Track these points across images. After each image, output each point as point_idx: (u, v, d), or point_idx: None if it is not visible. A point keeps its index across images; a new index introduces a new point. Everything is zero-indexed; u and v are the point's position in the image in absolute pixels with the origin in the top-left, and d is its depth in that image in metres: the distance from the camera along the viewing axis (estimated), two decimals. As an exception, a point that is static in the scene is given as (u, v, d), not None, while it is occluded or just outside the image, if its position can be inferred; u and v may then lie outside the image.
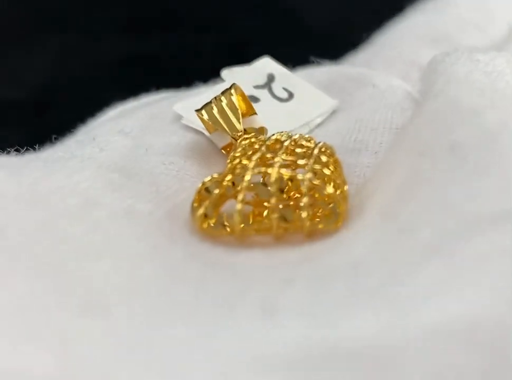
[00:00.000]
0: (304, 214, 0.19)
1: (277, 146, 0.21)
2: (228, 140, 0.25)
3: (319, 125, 0.27)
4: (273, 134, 0.22)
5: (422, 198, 0.18)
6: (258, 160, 0.20)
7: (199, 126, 0.25)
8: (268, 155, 0.20)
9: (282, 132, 0.23)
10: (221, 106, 0.24)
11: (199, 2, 0.43)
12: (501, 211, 0.16)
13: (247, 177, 0.20)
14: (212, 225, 0.19)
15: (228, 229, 0.19)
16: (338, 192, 0.20)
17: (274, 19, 0.43)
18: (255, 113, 0.25)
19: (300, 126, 0.26)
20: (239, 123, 0.24)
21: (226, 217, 0.19)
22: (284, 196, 0.20)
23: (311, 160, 0.20)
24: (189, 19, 0.41)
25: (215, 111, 0.24)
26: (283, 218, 0.19)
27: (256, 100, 0.27)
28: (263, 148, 0.21)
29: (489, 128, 0.19)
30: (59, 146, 0.26)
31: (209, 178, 0.20)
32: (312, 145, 0.21)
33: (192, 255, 0.19)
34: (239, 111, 0.24)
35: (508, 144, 0.18)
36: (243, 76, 0.28)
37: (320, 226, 0.19)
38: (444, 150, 0.19)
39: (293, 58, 0.29)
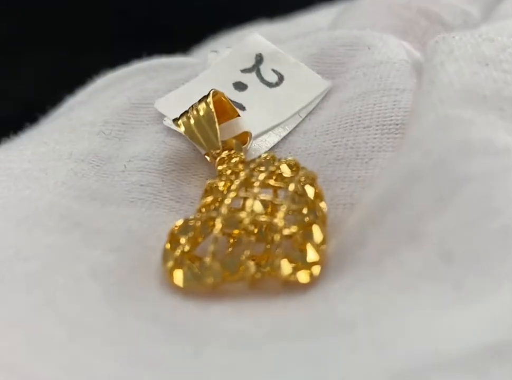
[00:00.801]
0: (277, 262, 0.18)
1: (253, 180, 0.20)
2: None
3: (310, 113, 0.25)
4: (253, 161, 0.21)
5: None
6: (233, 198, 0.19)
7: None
8: (242, 194, 0.19)
9: (264, 154, 0.21)
10: (198, 117, 0.22)
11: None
12: None
13: (218, 226, 0.18)
14: (183, 276, 0.19)
15: (199, 282, 0.18)
16: (317, 239, 0.18)
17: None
18: (238, 116, 0.24)
19: (291, 117, 0.25)
20: (217, 138, 0.22)
21: (198, 267, 0.19)
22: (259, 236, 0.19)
23: (287, 201, 0.19)
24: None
25: (192, 122, 0.22)
26: (258, 266, 0.18)
27: (243, 87, 0.26)
28: (237, 182, 0.19)
29: None
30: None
31: (181, 221, 0.19)
32: (292, 174, 0.20)
33: (158, 317, 0.18)
34: (217, 125, 0.22)
35: None
36: (229, 59, 0.26)
37: (292, 278, 0.18)
38: None
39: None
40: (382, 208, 0.18)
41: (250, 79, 0.26)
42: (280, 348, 0.16)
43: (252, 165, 0.20)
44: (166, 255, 0.19)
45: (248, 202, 0.19)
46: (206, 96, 0.23)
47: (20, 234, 0.20)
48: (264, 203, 0.19)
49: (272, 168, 0.20)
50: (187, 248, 0.19)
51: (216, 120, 0.22)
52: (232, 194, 0.19)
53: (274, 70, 0.26)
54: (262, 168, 0.20)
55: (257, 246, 0.19)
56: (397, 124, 0.22)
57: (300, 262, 0.18)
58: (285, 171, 0.20)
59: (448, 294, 0.16)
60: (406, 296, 0.16)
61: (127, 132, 0.25)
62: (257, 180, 0.19)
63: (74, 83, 0.28)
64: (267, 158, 0.21)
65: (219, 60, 0.26)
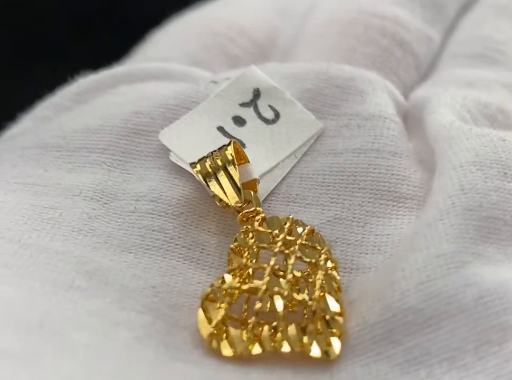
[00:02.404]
0: (305, 340, 0.21)
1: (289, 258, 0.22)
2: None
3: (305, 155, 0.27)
4: (272, 224, 0.23)
5: None
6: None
7: (189, 167, 0.25)
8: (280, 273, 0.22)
9: (286, 222, 0.23)
10: (220, 169, 0.24)
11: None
12: None
13: (258, 305, 0.21)
14: (219, 344, 0.21)
15: (236, 351, 0.21)
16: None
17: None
18: (248, 161, 0.25)
19: (287, 157, 0.26)
20: (240, 193, 0.24)
21: (237, 337, 0.21)
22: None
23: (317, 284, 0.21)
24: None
25: (213, 172, 0.24)
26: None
27: (242, 122, 0.27)
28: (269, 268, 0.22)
29: None
30: None
31: (209, 289, 0.21)
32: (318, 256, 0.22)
33: (207, 378, 0.20)
34: (239, 182, 0.24)
35: None
36: (228, 92, 0.27)
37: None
38: None
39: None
40: (418, 321, 0.20)
41: (248, 114, 0.27)
42: None
43: (280, 236, 0.23)
44: (202, 323, 0.21)
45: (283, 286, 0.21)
46: (226, 146, 0.24)
47: (57, 297, 0.21)
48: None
49: (301, 241, 0.22)
50: (221, 314, 0.21)
51: (239, 176, 0.24)
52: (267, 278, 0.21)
53: (270, 106, 0.27)
54: (291, 239, 0.23)
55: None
56: (389, 191, 0.25)
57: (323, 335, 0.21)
58: (313, 244, 0.23)
59: None
60: None
61: (128, 163, 0.26)
62: (292, 255, 0.22)
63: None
64: (289, 225, 0.23)
65: (218, 92, 0.27)
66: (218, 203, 0.25)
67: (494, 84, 0.29)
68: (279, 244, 0.22)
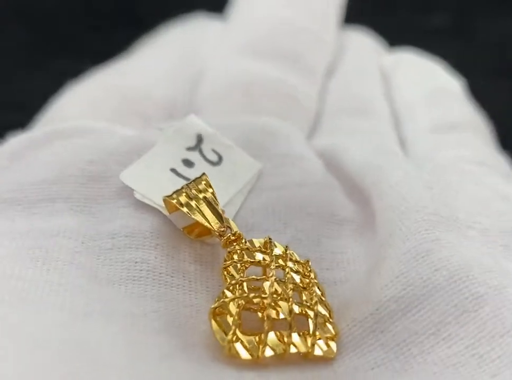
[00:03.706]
0: (310, 342, 0.23)
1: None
2: (189, 220, 0.26)
3: (250, 192, 0.29)
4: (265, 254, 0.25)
5: None
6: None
7: (155, 202, 0.26)
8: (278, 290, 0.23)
9: (267, 242, 0.25)
10: (200, 197, 0.25)
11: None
12: None
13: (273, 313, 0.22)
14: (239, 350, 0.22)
15: (254, 355, 0.22)
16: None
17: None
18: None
19: (236, 195, 0.29)
20: (221, 218, 0.25)
21: (254, 341, 0.22)
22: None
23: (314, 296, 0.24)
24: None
25: (194, 201, 0.25)
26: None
27: (191, 164, 0.29)
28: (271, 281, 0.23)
29: None
30: None
31: (217, 303, 0.22)
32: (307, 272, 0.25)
33: None
34: (219, 204, 0.25)
35: None
36: (175, 138, 0.29)
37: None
38: None
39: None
40: (400, 308, 0.23)
41: (195, 157, 0.29)
42: None
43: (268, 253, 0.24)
44: (218, 333, 0.22)
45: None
46: (200, 177, 0.26)
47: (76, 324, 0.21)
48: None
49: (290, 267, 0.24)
50: (235, 322, 0.22)
51: (218, 201, 0.25)
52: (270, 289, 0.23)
53: (213, 150, 0.29)
54: (279, 254, 0.24)
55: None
56: (333, 215, 0.28)
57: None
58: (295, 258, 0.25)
59: None
60: None
61: (93, 208, 0.26)
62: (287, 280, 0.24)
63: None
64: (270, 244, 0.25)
65: (165, 138, 0.29)
66: (188, 235, 0.26)
67: (369, 131, 0.34)
68: (269, 259, 0.24)
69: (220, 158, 0.29)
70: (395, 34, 0.43)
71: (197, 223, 0.26)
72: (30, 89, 0.37)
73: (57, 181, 0.26)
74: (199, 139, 0.29)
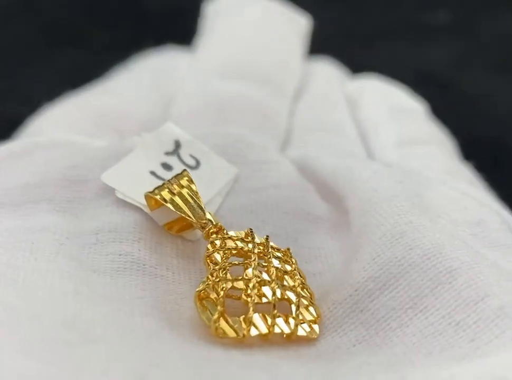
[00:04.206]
0: (293, 323, 0.23)
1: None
2: (170, 217, 0.27)
3: (227, 195, 0.30)
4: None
5: None
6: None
7: (136, 201, 0.27)
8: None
9: (248, 232, 0.26)
10: (182, 192, 0.26)
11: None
12: None
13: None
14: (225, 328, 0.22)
15: (239, 333, 0.22)
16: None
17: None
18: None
19: (214, 196, 0.29)
20: (203, 210, 0.26)
21: (239, 321, 0.22)
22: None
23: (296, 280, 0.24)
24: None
25: (176, 196, 0.26)
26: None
27: (169, 167, 0.29)
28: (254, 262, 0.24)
29: None
30: None
31: (201, 286, 0.23)
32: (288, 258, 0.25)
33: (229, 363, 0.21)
34: (201, 198, 0.26)
35: None
36: (153, 143, 0.30)
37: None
38: None
39: None
40: (378, 287, 0.24)
41: (173, 161, 0.30)
42: None
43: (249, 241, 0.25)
44: (203, 314, 0.22)
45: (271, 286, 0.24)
46: (181, 173, 0.26)
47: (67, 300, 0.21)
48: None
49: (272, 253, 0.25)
50: (221, 303, 0.23)
51: (199, 194, 0.26)
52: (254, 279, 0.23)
53: (191, 155, 0.30)
54: (260, 242, 0.25)
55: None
56: (308, 214, 0.29)
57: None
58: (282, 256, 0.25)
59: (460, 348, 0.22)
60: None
61: (75, 209, 0.27)
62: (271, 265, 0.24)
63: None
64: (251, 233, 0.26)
65: (144, 143, 0.30)
66: (169, 231, 0.27)
67: (338, 144, 0.35)
68: (251, 245, 0.25)
69: (198, 163, 0.30)
70: (398, 32, 0.44)
71: (178, 219, 0.27)
72: (35, 83, 0.37)
73: (40, 184, 0.27)
74: (177, 145, 0.30)
